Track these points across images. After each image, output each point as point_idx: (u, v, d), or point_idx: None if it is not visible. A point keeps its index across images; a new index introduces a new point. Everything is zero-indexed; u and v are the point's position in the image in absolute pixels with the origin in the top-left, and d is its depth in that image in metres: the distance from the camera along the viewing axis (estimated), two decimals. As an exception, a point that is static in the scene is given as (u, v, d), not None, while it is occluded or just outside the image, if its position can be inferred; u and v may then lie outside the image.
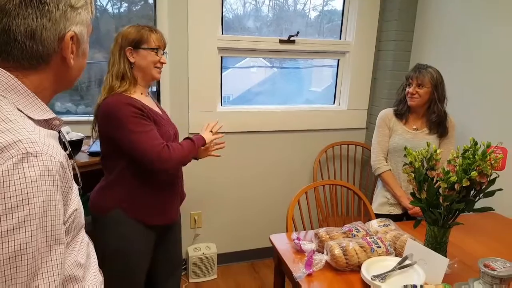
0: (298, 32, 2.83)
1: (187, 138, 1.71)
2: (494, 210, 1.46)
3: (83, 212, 0.86)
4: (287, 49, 2.88)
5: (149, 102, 1.63)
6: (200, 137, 1.74)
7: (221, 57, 2.75)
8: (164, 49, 1.64)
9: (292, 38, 2.84)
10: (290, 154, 3.05)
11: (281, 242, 1.72)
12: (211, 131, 1.83)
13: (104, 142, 1.60)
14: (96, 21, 2.50)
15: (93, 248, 0.96)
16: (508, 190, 1.60)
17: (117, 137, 1.50)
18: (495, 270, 1.21)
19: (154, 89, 2.62)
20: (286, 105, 3.08)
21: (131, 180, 1.56)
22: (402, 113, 2.25)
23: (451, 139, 2.23)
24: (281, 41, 2.83)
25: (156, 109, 1.67)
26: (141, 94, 1.61)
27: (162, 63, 1.62)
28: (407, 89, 2.19)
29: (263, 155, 2.97)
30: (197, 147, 1.69)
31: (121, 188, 1.57)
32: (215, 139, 1.82)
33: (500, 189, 1.40)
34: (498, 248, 1.77)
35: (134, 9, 2.72)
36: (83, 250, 0.84)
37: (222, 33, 2.71)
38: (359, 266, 1.44)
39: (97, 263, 0.94)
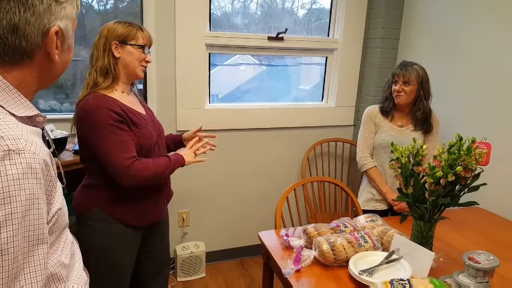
0: (286, 29, 2.84)
1: (166, 156, 1.64)
2: (478, 204, 1.48)
3: (67, 212, 0.85)
4: (275, 46, 2.88)
5: (130, 101, 1.59)
6: (180, 158, 1.66)
7: (209, 54, 2.74)
8: (149, 48, 1.61)
9: (280, 35, 2.84)
10: (278, 152, 3.05)
11: (269, 239, 1.73)
12: (195, 152, 1.75)
13: (81, 144, 1.56)
14: (82, 18, 2.46)
15: (78, 248, 0.95)
16: (492, 184, 1.62)
17: (91, 141, 1.47)
18: (479, 263, 1.23)
19: (141, 86, 2.60)
20: (274, 103, 3.09)
21: (112, 182, 1.52)
22: (388, 110, 2.27)
23: (436, 135, 2.25)
24: (270, 38, 2.82)
25: (138, 108, 1.62)
26: (123, 92, 1.57)
27: (147, 61, 1.59)
28: (393, 87, 2.21)
29: (252, 153, 2.97)
30: (173, 168, 1.62)
31: (102, 189, 1.55)
32: (197, 162, 1.74)
33: (484, 184, 1.42)
34: (481, 241, 1.80)
35: (121, 6, 2.69)
36: (67, 250, 0.83)
37: (210, 30, 2.69)
38: (347, 261, 1.45)
39: (81, 263, 0.93)
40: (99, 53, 1.50)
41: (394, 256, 1.46)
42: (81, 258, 0.95)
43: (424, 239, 1.51)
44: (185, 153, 1.71)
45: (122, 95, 1.55)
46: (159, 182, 1.64)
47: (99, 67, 1.50)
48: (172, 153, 1.72)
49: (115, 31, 1.50)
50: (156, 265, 1.84)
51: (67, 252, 0.83)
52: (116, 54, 1.51)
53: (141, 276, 1.81)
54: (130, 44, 1.53)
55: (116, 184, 1.51)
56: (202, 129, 1.88)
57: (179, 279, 2.78)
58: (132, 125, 1.51)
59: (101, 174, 1.53)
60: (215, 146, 1.86)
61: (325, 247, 1.47)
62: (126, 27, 1.52)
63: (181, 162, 1.66)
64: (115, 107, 1.46)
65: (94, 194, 1.56)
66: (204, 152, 1.78)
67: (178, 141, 1.92)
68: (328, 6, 3.07)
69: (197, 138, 1.79)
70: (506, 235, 1.89)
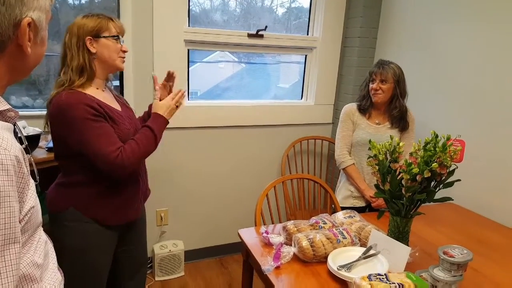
0: (266, 27, 2.83)
1: (145, 126, 1.55)
2: (453, 200, 1.52)
3: (40, 210, 0.82)
4: (255, 44, 2.87)
5: (105, 97, 1.54)
6: (161, 119, 1.58)
7: (188, 50, 2.71)
8: (122, 37, 1.56)
9: (260, 33, 2.84)
10: (258, 149, 3.05)
11: (249, 236, 1.72)
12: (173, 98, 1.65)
13: (56, 142, 1.51)
14: (56, 13, 2.40)
15: (52, 247, 0.93)
16: (466, 181, 1.67)
17: (69, 139, 1.42)
18: (453, 257, 1.26)
19: (117, 83, 2.55)
20: (254, 100, 3.08)
21: (86, 181, 1.49)
22: (366, 108, 2.29)
23: (411, 133, 2.30)
24: (250, 35, 2.82)
25: (114, 104, 1.58)
26: (97, 89, 1.51)
27: (124, 51, 1.54)
28: (370, 85, 2.23)
29: (231, 150, 2.96)
30: (158, 133, 1.55)
31: (76, 187, 1.50)
32: (177, 102, 1.64)
33: (459, 180, 1.46)
34: (455, 236, 1.84)
35: (96, 1, 2.64)
36: (40, 249, 0.81)
37: (188, 26, 2.67)
38: (326, 257, 1.46)
39: (56, 262, 0.91)
40: (73, 53, 1.44)
41: (371, 252, 1.48)
42: (55, 257, 0.92)
43: (400, 234, 1.54)
44: (164, 106, 1.61)
45: (96, 92, 1.50)
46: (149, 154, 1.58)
47: (75, 66, 1.44)
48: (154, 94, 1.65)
49: (85, 27, 1.44)
50: (133, 264, 1.81)
51: (41, 251, 0.80)
52: (92, 50, 1.46)
53: (118, 276, 1.78)
54: (104, 37, 1.47)
55: (92, 180, 1.47)
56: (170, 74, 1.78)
57: (157, 278, 2.75)
58: (110, 120, 1.48)
59: (77, 172, 1.49)
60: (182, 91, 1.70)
61: (305, 243, 1.48)
62: (95, 20, 1.46)
63: (165, 122, 1.60)
64: (91, 102, 1.42)
65: (69, 193, 1.51)
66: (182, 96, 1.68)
67: (150, 109, 1.81)
68: (307, 5, 3.09)
69: (177, 91, 1.66)
70: (478, 230, 1.94)
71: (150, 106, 1.80)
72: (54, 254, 0.93)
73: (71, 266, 1.47)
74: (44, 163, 1.85)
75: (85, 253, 1.53)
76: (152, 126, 1.55)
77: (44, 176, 1.33)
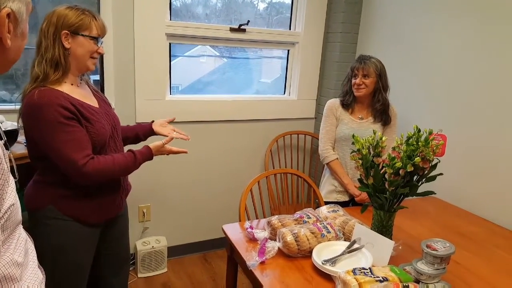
0: (248, 21, 2.82)
1: (130, 150, 1.54)
2: (435, 194, 1.54)
3: (20, 208, 0.79)
4: (237, 38, 2.85)
5: (81, 93, 1.48)
6: (147, 152, 1.57)
7: (170, 44, 2.67)
8: (102, 38, 1.50)
9: (242, 27, 2.82)
10: (241, 144, 3.04)
11: (234, 232, 1.72)
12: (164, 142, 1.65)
13: (28, 141, 1.46)
14: (33, 5, 2.32)
15: (32, 245, 0.90)
16: (448, 175, 1.70)
17: (40, 141, 1.37)
18: (437, 250, 1.28)
19: (97, 77, 2.49)
20: (236, 95, 3.07)
21: (62, 181, 1.44)
22: (349, 103, 2.31)
23: (393, 128, 2.32)
24: (232, 30, 2.80)
25: (90, 100, 1.52)
26: (72, 85, 1.46)
27: (100, 53, 1.48)
28: (353, 80, 2.25)
29: (214, 145, 2.94)
30: (138, 163, 1.52)
31: (55, 185, 1.46)
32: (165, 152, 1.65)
33: (441, 174, 1.48)
34: (438, 230, 1.88)
35: (75, -7, 2.56)
36: (20, 248, 0.78)
37: (170, 19, 2.63)
38: (310, 252, 1.47)
39: (36, 261, 0.88)
40: (48, 43, 1.37)
41: (355, 246, 1.49)
42: (36, 256, 0.90)
43: (384, 228, 1.56)
44: (157, 146, 1.62)
45: (71, 88, 1.44)
46: (119, 176, 1.57)
47: (49, 59, 1.37)
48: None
49: (66, 20, 1.37)
50: (115, 261, 1.78)
51: (21, 250, 0.78)
52: (66, 45, 1.39)
53: (101, 273, 1.75)
54: (83, 35, 1.40)
55: (69, 180, 1.43)
56: (174, 120, 1.83)
57: (140, 275, 2.72)
58: (84, 120, 1.42)
59: (53, 172, 1.44)
60: (185, 152, 1.74)
61: (289, 238, 1.48)
62: (78, 15, 1.39)
63: (149, 157, 1.58)
64: (64, 102, 1.35)
65: (47, 191, 1.47)
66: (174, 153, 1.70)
67: (148, 131, 1.84)
68: (288, 1, 3.08)
69: (170, 137, 1.67)
70: (459, 222, 1.99)
71: (150, 125, 1.84)
72: (35, 252, 0.90)
73: (52, 265, 1.43)
74: (23, 158, 1.79)
75: (65, 251, 1.50)
76: (137, 155, 1.53)
77: (22, 172, 1.29)
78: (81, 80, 1.54)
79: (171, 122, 1.90)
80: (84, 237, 1.54)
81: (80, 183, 1.42)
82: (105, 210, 1.58)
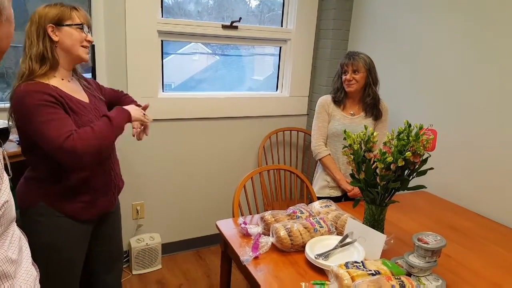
0: (240, 18, 2.82)
1: (104, 115, 1.47)
2: (426, 188, 1.57)
3: (14, 205, 0.80)
4: (229, 35, 2.85)
5: (71, 88, 1.48)
6: (124, 111, 1.52)
7: (162, 41, 2.66)
8: (89, 27, 1.50)
9: (234, 24, 2.82)
10: (234, 141, 3.05)
11: (227, 228, 1.73)
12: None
13: (20, 136, 1.46)
14: (24, 3, 2.30)
15: (26, 243, 0.90)
16: (438, 169, 1.72)
17: (27, 129, 1.36)
18: (428, 244, 1.30)
19: (89, 75, 2.48)
20: (229, 92, 3.07)
21: (54, 176, 1.44)
22: (340, 100, 2.33)
23: (384, 123, 2.35)
24: (224, 27, 2.79)
25: (80, 95, 1.51)
26: (63, 79, 1.46)
27: (89, 41, 1.48)
28: (343, 77, 2.27)
29: (207, 142, 2.95)
30: (118, 124, 1.46)
31: (46, 182, 1.46)
32: (144, 121, 1.61)
33: (431, 168, 1.50)
34: (429, 223, 1.90)
35: (66, -10, 2.54)
36: (15, 245, 0.78)
37: (162, 17, 2.62)
38: (303, 246, 1.48)
39: (30, 258, 0.88)
40: (32, 40, 1.38)
41: (348, 240, 1.51)
42: (30, 253, 0.90)
43: (376, 222, 1.58)
44: (131, 107, 1.57)
45: (61, 82, 1.44)
46: (109, 147, 1.51)
47: (33, 54, 1.38)
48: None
49: (47, 15, 1.39)
50: (108, 258, 1.78)
51: (15, 247, 0.78)
52: (54, 38, 1.40)
53: (94, 270, 1.75)
54: (67, 25, 1.42)
55: (60, 175, 1.43)
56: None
57: (134, 272, 2.72)
58: (71, 112, 1.41)
59: (44, 167, 1.44)
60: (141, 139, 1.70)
61: (282, 233, 1.50)
62: (58, 8, 1.41)
63: (127, 114, 1.52)
64: (51, 91, 1.35)
65: (38, 187, 1.47)
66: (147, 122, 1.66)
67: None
68: (280, -2, 3.09)
69: (148, 103, 1.66)
70: (449, 216, 2.01)
71: (129, 100, 1.82)
72: (29, 249, 0.90)
73: (44, 262, 1.43)
74: (16, 156, 1.78)
75: (57, 248, 1.50)
76: (110, 114, 1.47)
77: (15, 170, 1.29)
78: (72, 76, 1.54)
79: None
80: (76, 234, 1.54)
81: (70, 164, 1.38)
82: (97, 206, 1.57)
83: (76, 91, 1.50)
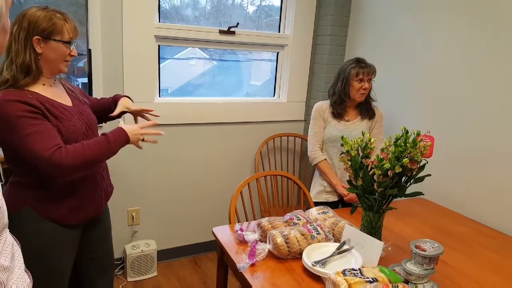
0: (238, 23, 2.82)
1: (103, 134, 1.47)
2: (423, 194, 1.56)
3: (6, 211, 0.78)
4: (227, 40, 2.85)
5: (53, 92, 1.46)
6: (123, 134, 1.48)
7: (159, 46, 2.66)
8: (74, 40, 1.47)
9: (232, 29, 2.82)
10: (231, 146, 3.04)
11: (224, 234, 1.71)
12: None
13: (2, 145, 1.43)
14: (19, 7, 2.30)
15: (19, 249, 0.89)
16: (436, 176, 1.71)
17: (7, 140, 1.34)
18: (425, 251, 1.29)
19: (85, 80, 2.47)
20: (226, 97, 3.06)
21: (39, 180, 1.42)
22: (340, 113, 2.32)
23: (381, 129, 2.35)
24: (221, 32, 2.79)
25: (63, 99, 1.49)
26: (44, 85, 1.43)
27: (72, 56, 1.46)
28: (358, 85, 2.22)
29: (204, 148, 2.93)
30: (113, 142, 1.44)
31: (30, 187, 1.44)
32: (145, 135, 1.56)
33: (429, 175, 1.50)
34: (426, 230, 1.89)
35: (63, -5, 2.54)
36: (7, 252, 0.77)
37: (159, 21, 2.62)
38: (301, 253, 1.47)
39: (23, 265, 0.87)
40: (19, 48, 1.34)
41: (345, 247, 1.50)
42: (22, 260, 0.88)
43: (373, 229, 1.57)
44: (132, 129, 1.51)
45: (43, 88, 1.42)
46: (95, 164, 1.51)
47: (19, 64, 1.34)
48: (121, 124, 1.53)
49: (37, 25, 1.34)
50: (99, 265, 1.75)
51: (7, 254, 0.76)
52: (38, 50, 1.36)
53: (84, 277, 1.72)
54: (55, 40, 1.38)
55: (45, 181, 1.41)
56: (151, 113, 1.76)
57: (129, 279, 2.69)
58: (53, 117, 1.39)
59: (29, 173, 1.42)
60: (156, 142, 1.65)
61: (279, 240, 1.48)
62: (49, 20, 1.36)
63: (125, 139, 1.48)
64: (30, 99, 1.33)
65: (23, 192, 1.45)
66: (151, 142, 1.62)
67: (117, 100, 1.77)
68: (277, 3, 3.09)
69: (152, 122, 1.61)
70: (447, 223, 2.01)
71: (118, 97, 1.75)
72: (21, 256, 0.89)
73: (31, 268, 1.41)
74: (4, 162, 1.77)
75: (44, 254, 1.47)
76: (110, 136, 1.45)
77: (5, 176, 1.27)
78: (54, 80, 1.51)
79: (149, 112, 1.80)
80: (63, 239, 1.51)
81: (58, 176, 1.38)
82: (83, 210, 1.55)
83: (58, 95, 1.48)
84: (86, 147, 1.38)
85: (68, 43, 1.42)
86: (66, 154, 1.32)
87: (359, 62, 2.25)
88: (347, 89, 2.26)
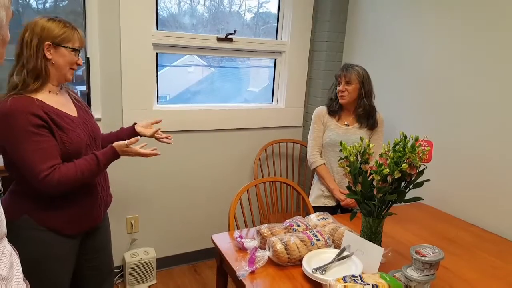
0: (235, 31, 2.83)
1: (93, 153, 1.49)
2: (423, 200, 1.56)
3: (4, 220, 0.78)
4: (224, 47, 2.86)
5: (58, 101, 1.47)
6: (111, 151, 1.51)
7: (157, 53, 2.67)
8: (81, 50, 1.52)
9: (229, 37, 2.83)
10: (230, 153, 3.03)
11: (223, 242, 1.70)
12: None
13: (2, 152, 1.44)
14: (19, 17, 2.30)
15: (17, 258, 0.88)
16: (435, 181, 1.71)
17: (8, 147, 1.36)
18: (426, 256, 1.29)
19: (83, 88, 2.47)
20: (225, 104, 3.07)
21: (37, 191, 1.42)
22: (335, 110, 2.35)
23: (380, 134, 2.36)
24: (219, 39, 2.80)
25: (68, 109, 1.50)
26: (50, 92, 1.45)
27: (79, 64, 1.49)
28: (337, 88, 2.29)
29: (203, 155, 2.93)
30: (103, 164, 1.48)
31: (29, 195, 1.44)
32: (141, 147, 1.59)
33: (428, 180, 1.50)
34: (426, 235, 1.89)
35: (61, 5, 2.55)
36: (5, 261, 0.77)
37: (157, 29, 2.63)
38: (301, 260, 1.46)
39: (21, 274, 0.86)
40: (32, 53, 1.37)
41: (345, 253, 1.49)
42: (21, 269, 0.88)
43: (373, 235, 1.56)
44: (119, 145, 1.53)
45: (48, 96, 1.44)
46: (91, 182, 1.54)
47: (30, 70, 1.38)
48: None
49: (50, 31, 1.38)
50: (98, 274, 1.74)
51: (5, 263, 0.76)
52: (48, 56, 1.40)
53: (83, 285, 1.71)
54: (65, 47, 1.42)
55: (43, 192, 1.41)
56: (161, 127, 1.82)
57: (128, 287, 2.67)
58: (58, 129, 1.41)
59: (25, 181, 1.42)
60: (159, 154, 1.64)
61: (279, 247, 1.48)
62: (62, 27, 1.41)
63: (114, 155, 1.52)
64: (36, 110, 1.35)
65: (22, 201, 1.45)
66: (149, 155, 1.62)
67: (131, 133, 1.82)
68: (274, 10, 3.11)
69: (134, 139, 1.58)
70: (447, 228, 2.00)
71: (133, 127, 1.84)
72: (20, 265, 0.88)
73: (28, 278, 1.40)
74: (4, 171, 1.76)
75: (42, 263, 1.46)
76: (101, 158, 1.48)
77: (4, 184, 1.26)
78: (61, 88, 1.53)
79: (156, 123, 1.90)
80: (61, 248, 1.51)
81: (48, 194, 1.41)
82: (82, 221, 1.55)
83: (63, 104, 1.49)
84: (78, 169, 1.42)
85: (77, 51, 1.47)
86: (58, 178, 1.36)
87: (345, 66, 2.31)
88: (335, 92, 2.34)
